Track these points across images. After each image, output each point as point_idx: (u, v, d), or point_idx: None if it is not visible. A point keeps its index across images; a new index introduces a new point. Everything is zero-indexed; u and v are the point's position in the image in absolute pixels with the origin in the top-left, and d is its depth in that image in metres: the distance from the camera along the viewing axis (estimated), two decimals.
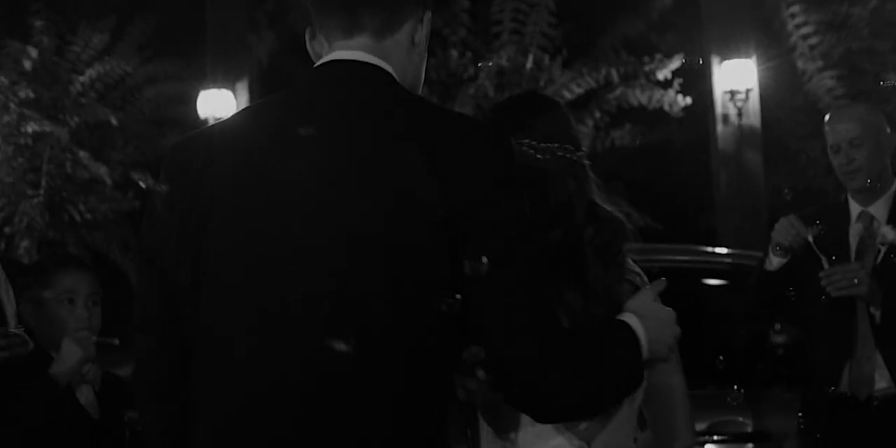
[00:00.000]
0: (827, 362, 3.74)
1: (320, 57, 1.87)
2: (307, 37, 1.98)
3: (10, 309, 3.54)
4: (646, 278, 2.18)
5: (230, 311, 1.72)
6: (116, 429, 3.20)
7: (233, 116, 1.87)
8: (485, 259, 1.64)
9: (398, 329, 1.65)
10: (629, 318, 1.83)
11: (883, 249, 3.73)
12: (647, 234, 9.30)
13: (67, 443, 3.10)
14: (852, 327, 3.68)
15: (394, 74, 1.80)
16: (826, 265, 3.61)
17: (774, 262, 3.73)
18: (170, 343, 1.81)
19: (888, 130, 3.86)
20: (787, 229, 3.67)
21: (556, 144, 2.06)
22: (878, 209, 3.80)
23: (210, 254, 1.73)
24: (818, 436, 3.79)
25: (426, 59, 1.92)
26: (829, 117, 3.94)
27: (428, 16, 1.88)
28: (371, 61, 1.79)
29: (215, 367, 1.74)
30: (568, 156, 2.08)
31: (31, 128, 8.98)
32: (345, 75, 1.80)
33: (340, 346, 1.65)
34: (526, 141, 2.03)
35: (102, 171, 9.47)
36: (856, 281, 3.55)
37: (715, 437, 4.26)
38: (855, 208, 3.84)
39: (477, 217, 1.66)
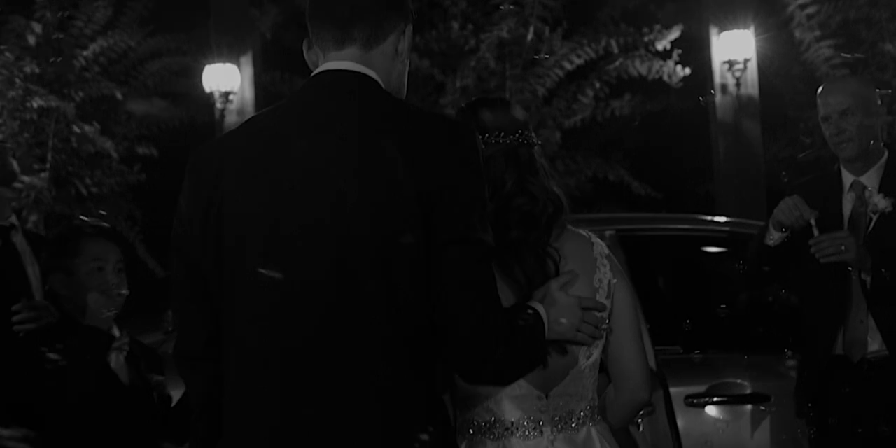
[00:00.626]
0: (822, 326, 3.86)
1: (316, 64, 2.18)
2: (304, 47, 2.35)
3: (35, 281, 3.67)
4: (598, 244, 2.55)
5: (249, 284, 2.03)
6: (145, 392, 3.33)
7: (243, 124, 2.20)
8: (446, 235, 1.98)
9: (388, 283, 1.98)
10: (536, 305, 2.26)
11: (875, 217, 3.83)
12: (647, 203, 9.41)
13: (102, 405, 3.22)
14: (846, 293, 3.79)
15: (379, 81, 2.13)
16: (816, 233, 3.70)
17: (775, 236, 3.81)
18: (201, 317, 2.13)
19: (879, 102, 3.95)
20: (790, 210, 3.73)
21: (487, 134, 2.47)
22: (870, 178, 3.89)
23: (228, 237, 2.05)
24: (814, 396, 3.91)
25: (408, 64, 2.23)
26: (821, 89, 4.02)
27: (409, 28, 2.19)
28: (359, 70, 2.12)
29: (238, 327, 2.06)
30: (501, 141, 2.48)
31: (36, 103, 9.00)
32: (336, 83, 2.12)
33: (344, 304, 1.98)
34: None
35: (108, 144, 9.52)
36: (843, 248, 3.63)
37: (715, 399, 4.35)
38: (847, 178, 3.93)
39: (443, 198, 1.98)
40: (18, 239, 3.75)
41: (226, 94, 10.28)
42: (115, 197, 9.88)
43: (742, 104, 9.71)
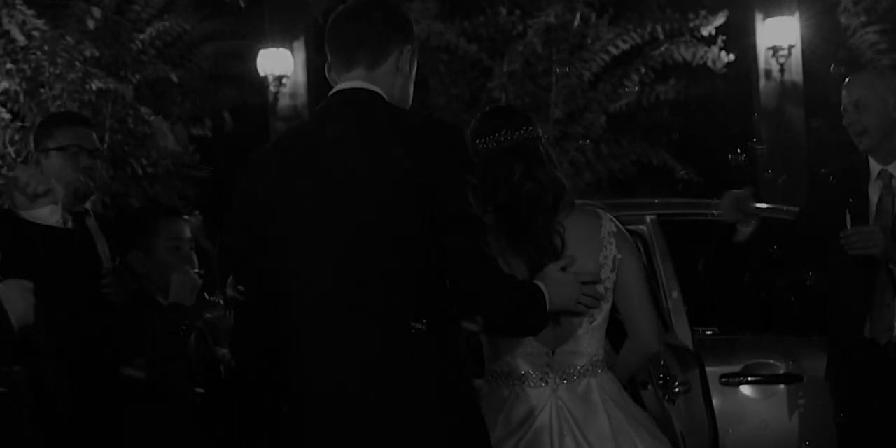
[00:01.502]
0: (851, 311, 3.98)
1: (335, 82, 2.69)
2: (326, 68, 2.77)
3: (106, 262, 3.86)
4: (607, 224, 2.96)
5: (288, 261, 2.54)
6: (213, 365, 3.53)
7: (281, 135, 2.75)
8: (448, 216, 2.44)
9: (400, 258, 2.46)
10: (538, 282, 2.67)
11: None
12: (691, 187, 9.48)
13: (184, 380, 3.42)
14: (873, 280, 3.91)
15: (383, 95, 2.60)
16: (849, 223, 3.82)
17: (741, 232, 4.04)
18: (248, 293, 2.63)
19: None
20: (727, 206, 3.97)
21: (497, 133, 2.95)
22: None
23: (270, 224, 2.55)
24: (844, 377, 4.05)
25: (413, 78, 2.70)
26: (845, 81, 4.14)
27: (408, 48, 2.66)
28: (366, 87, 2.60)
29: (284, 296, 2.55)
30: (509, 137, 2.95)
31: (95, 85, 9.20)
32: (349, 99, 2.60)
33: (363, 271, 2.46)
34: (490, 137, 2.96)
35: (164, 126, 9.73)
36: (871, 243, 3.77)
37: (749, 379, 4.49)
38: (875, 166, 4.03)
39: (441, 187, 2.44)
40: (91, 223, 3.91)
41: (279, 78, 10.49)
42: (170, 176, 10.09)
43: (786, 90, 9.76)
